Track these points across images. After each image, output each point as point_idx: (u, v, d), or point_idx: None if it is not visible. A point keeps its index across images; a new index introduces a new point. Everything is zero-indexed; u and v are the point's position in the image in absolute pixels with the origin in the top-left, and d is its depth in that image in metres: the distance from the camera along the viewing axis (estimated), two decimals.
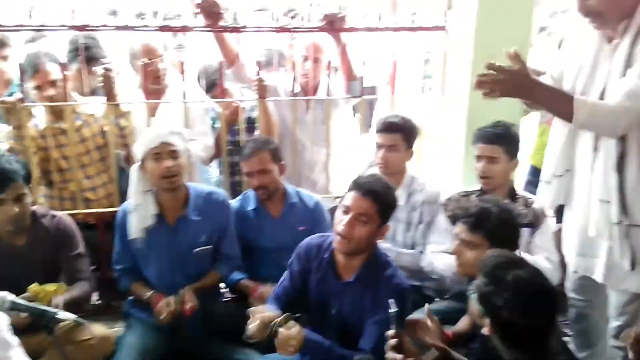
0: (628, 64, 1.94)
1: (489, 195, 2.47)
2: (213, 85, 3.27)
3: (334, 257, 2.20)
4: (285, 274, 2.36)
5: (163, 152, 2.47)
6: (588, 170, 2.12)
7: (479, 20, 2.85)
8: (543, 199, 2.40)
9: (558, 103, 1.98)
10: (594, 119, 1.94)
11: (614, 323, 2.26)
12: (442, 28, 3.15)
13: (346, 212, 2.08)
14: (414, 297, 2.71)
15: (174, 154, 2.49)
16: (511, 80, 1.91)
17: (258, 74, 3.03)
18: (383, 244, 2.72)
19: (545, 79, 2.17)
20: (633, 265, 2.05)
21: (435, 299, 2.74)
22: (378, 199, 2.07)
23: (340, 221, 2.07)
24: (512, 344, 1.65)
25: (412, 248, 2.81)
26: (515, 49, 1.98)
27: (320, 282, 2.24)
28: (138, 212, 2.55)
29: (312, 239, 2.31)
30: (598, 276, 2.19)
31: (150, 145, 2.49)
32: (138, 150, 2.54)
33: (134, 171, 2.56)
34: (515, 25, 2.82)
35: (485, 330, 1.69)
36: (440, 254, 2.61)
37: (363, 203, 2.06)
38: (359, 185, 2.09)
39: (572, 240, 2.29)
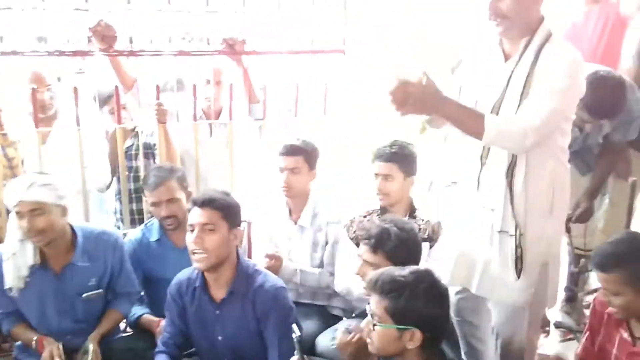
0: (528, 82, 2.00)
1: (389, 213, 2.51)
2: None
3: (205, 281, 2.23)
4: (166, 320, 2.35)
5: (23, 211, 2.24)
6: (474, 180, 2.17)
7: (376, 44, 2.92)
8: (432, 211, 2.45)
9: (468, 120, 2.01)
10: (503, 136, 1.98)
11: (496, 339, 2.31)
12: (342, 51, 3.21)
13: (192, 229, 2.14)
14: (321, 318, 2.75)
15: (36, 212, 2.23)
16: (422, 97, 1.93)
17: (157, 98, 2.96)
18: (289, 264, 2.72)
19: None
20: (519, 274, 2.10)
21: (343, 318, 2.74)
22: (217, 204, 2.14)
23: (190, 241, 2.13)
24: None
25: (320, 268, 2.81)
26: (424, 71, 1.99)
27: (198, 311, 2.25)
28: (14, 261, 2.33)
29: (180, 275, 2.32)
30: (473, 287, 2.24)
31: (8, 203, 2.29)
32: (5, 199, 2.34)
33: (11, 216, 2.33)
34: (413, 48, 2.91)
35: (410, 345, 1.72)
36: (349, 274, 2.62)
37: (203, 213, 2.13)
38: (194, 201, 2.18)
39: (453, 253, 2.32)
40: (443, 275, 2.38)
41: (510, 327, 2.24)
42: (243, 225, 2.68)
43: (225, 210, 2.15)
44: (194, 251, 2.12)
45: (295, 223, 2.84)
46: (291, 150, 2.77)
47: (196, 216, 2.13)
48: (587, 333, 2.21)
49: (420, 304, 1.71)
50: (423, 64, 2.87)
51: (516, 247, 2.08)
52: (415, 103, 1.92)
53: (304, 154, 2.78)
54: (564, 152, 2.14)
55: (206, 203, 2.13)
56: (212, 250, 2.12)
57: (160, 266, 2.67)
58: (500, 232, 2.10)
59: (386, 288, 1.73)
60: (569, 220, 2.70)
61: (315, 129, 3.29)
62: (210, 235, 2.12)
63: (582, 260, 2.95)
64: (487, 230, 2.13)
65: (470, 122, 2.00)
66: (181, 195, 2.65)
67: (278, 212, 2.89)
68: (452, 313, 2.49)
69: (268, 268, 2.52)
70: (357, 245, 2.36)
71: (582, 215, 2.88)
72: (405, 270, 1.77)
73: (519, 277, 2.10)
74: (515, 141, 1.98)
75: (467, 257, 2.25)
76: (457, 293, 2.39)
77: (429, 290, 1.73)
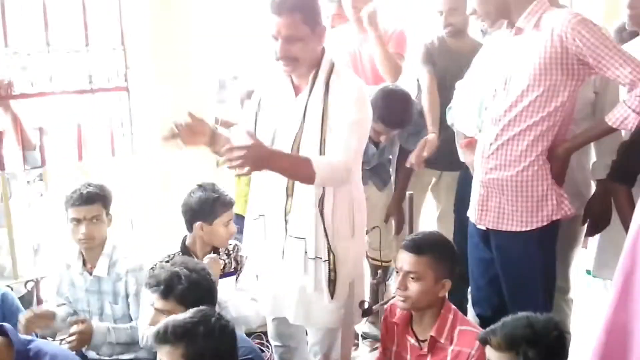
0: (325, 116, 2.09)
1: (179, 256, 2.43)
2: None
3: None
4: None
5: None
6: (281, 212, 2.21)
7: (158, 79, 2.85)
8: (243, 244, 2.45)
9: (298, 167, 2.04)
10: (333, 175, 2.06)
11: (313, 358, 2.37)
12: (125, 88, 3.08)
13: None
14: None
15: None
16: (253, 154, 1.93)
17: None
18: (99, 324, 2.50)
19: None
20: (332, 296, 2.17)
21: None
22: None
23: None
24: None
25: (126, 320, 2.62)
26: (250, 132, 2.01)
27: None
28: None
29: None
30: (290, 316, 2.28)
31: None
32: None
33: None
34: (193, 83, 2.88)
35: None
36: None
37: None
38: None
39: (266, 283, 2.35)
40: (260, 306, 2.42)
41: (326, 345, 2.31)
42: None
43: None
44: None
45: (91, 274, 2.63)
46: (88, 199, 2.55)
47: None
48: (381, 343, 2.33)
49: (214, 343, 1.66)
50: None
51: (330, 270, 2.16)
52: (250, 164, 1.92)
53: (102, 201, 2.58)
54: (359, 173, 2.26)
55: None
56: None
57: None
58: (314, 258, 2.16)
59: (179, 334, 1.65)
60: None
61: (103, 171, 3.11)
62: None
63: (379, 271, 3.13)
64: (300, 259, 2.18)
65: (300, 170, 2.04)
66: None
67: (71, 263, 2.65)
68: (270, 338, 2.52)
69: (78, 334, 2.35)
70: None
71: (398, 225, 3.15)
72: (189, 313, 1.72)
73: (332, 298, 2.18)
74: (340, 177, 2.08)
75: (281, 287, 2.27)
76: (274, 319, 2.41)
77: (221, 328, 1.70)
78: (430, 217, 3.37)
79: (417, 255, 2.05)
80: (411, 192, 2.91)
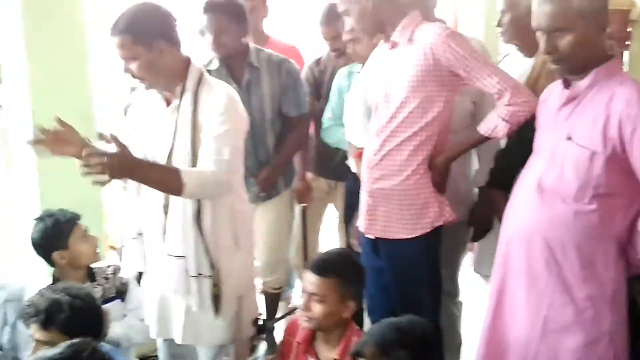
0: (195, 129, 2.06)
1: (61, 282, 2.30)
2: None
3: None
4: None
5: None
6: (160, 230, 2.15)
7: (32, 93, 2.68)
8: (124, 267, 2.38)
9: (165, 177, 1.98)
10: (204, 186, 2.01)
11: None
12: None
13: None
14: None
15: None
16: (115, 162, 1.85)
17: None
18: None
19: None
20: (218, 311, 2.14)
21: None
22: None
23: None
24: None
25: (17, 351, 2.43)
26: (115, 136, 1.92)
27: None
28: None
29: None
30: (178, 337, 2.22)
31: None
32: None
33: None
34: (72, 97, 2.74)
35: None
36: None
37: None
38: None
39: (150, 305, 2.28)
40: (149, 328, 2.33)
41: None
42: None
43: None
44: None
45: None
46: None
47: None
48: None
49: None
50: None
51: (214, 285, 2.12)
52: (110, 171, 1.84)
53: None
54: (240, 184, 2.23)
55: None
56: None
57: None
58: (196, 276, 2.11)
59: None
60: None
61: None
62: None
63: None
64: (181, 278, 2.12)
65: (168, 180, 1.98)
66: None
67: None
68: None
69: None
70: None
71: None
72: (59, 348, 1.56)
73: (217, 314, 2.14)
74: (214, 189, 2.04)
75: (166, 308, 2.21)
76: (164, 341, 2.36)
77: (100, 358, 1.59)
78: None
79: (321, 277, 2.02)
80: (304, 204, 2.91)
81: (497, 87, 2.02)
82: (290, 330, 2.20)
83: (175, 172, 1.97)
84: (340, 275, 2.03)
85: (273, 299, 3.19)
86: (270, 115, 2.90)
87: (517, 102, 2.00)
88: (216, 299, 2.13)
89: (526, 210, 1.90)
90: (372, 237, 2.28)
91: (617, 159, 1.73)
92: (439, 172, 2.18)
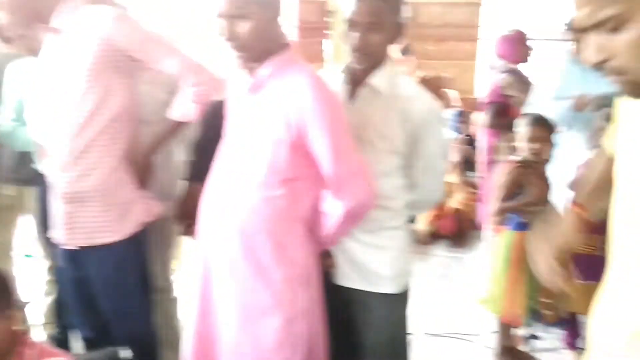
0: None
1: None
2: None
3: None
4: None
5: None
6: None
7: None
8: None
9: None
10: None
11: None
12: None
13: None
14: None
15: None
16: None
17: None
18: None
19: None
20: None
21: None
22: None
23: None
24: None
25: None
26: None
27: None
28: None
29: None
30: None
31: None
32: None
33: None
34: None
35: None
36: None
37: None
38: None
39: None
40: None
41: None
42: None
43: None
44: None
45: None
46: None
47: None
48: None
49: None
50: None
51: None
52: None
53: None
54: None
55: None
56: None
57: None
58: None
59: None
60: None
61: None
62: None
63: None
64: None
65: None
66: None
67: None
68: None
69: None
70: None
71: None
72: None
73: None
74: None
75: None
76: None
77: None
78: None
79: None
80: None
81: (177, 68, 1.97)
82: None
83: None
84: None
85: None
86: None
87: (201, 81, 1.98)
88: None
89: (220, 200, 1.89)
90: (76, 248, 2.08)
91: (300, 145, 1.79)
92: (140, 167, 2.08)
